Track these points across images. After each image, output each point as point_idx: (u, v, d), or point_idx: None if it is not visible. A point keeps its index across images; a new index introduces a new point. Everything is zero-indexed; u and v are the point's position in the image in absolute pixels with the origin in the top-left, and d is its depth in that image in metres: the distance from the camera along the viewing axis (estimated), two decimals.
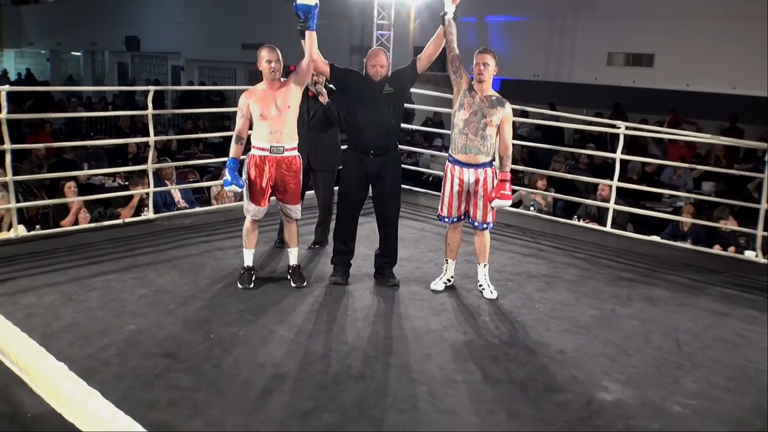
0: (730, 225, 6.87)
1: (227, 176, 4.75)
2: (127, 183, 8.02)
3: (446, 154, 5.05)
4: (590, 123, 9.12)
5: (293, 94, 4.81)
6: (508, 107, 4.81)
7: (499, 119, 4.77)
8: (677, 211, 7.84)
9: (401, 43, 12.28)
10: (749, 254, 6.38)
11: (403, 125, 5.70)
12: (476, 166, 4.82)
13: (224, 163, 4.98)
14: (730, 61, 11.09)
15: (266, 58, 4.75)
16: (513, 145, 5.07)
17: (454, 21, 4.81)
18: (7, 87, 5.80)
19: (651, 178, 10.06)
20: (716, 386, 3.82)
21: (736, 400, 3.69)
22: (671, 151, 11.77)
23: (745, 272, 5.89)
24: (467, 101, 4.78)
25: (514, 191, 7.91)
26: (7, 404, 3.20)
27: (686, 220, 7.10)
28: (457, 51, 4.84)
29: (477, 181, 4.83)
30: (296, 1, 4.65)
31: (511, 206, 6.67)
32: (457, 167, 4.86)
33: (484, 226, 4.93)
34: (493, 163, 4.90)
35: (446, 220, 5.02)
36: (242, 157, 4.92)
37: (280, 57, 4.78)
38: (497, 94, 4.86)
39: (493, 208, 4.87)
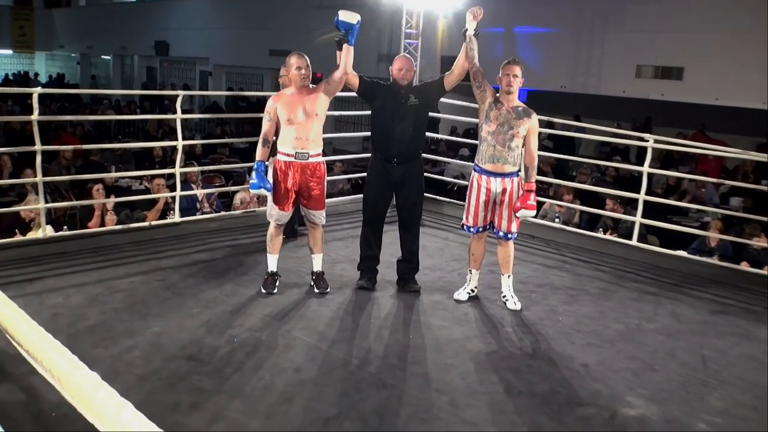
0: (762, 242, 6.75)
1: (254, 179, 4.77)
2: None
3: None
4: (618, 135, 9.04)
5: (321, 103, 4.83)
6: (535, 118, 4.80)
7: (525, 130, 4.76)
8: (704, 226, 7.75)
9: (429, 51, 12.30)
10: None
11: (428, 134, 5.70)
12: (503, 175, 4.80)
13: (250, 168, 5.00)
14: (761, 75, 10.96)
15: (296, 65, 4.77)
16: (538, 156, 5.04)
17: (476, 37, 4.82)
18: (39, 89, 5.89)
19: (677, 192, 9.96)
20: (742, 404, 3.76)
21: (763, 418, 3.62)
22: (697, 166, 11.66)
23: None
24: (494, 114, 4.77)
25: (539, 203, 7.89)
26: (31, 403, 3.23)
27: (713, 234, 7.01)
28: (479, 65, 4.84)
29: (504, 191, 4.82)
30: (338, 17, 4.68)
31: (534, 217, 6.64)
32: (484, 176, 4.84)
33: (509, 236, 4.91)
34: (519, 173, 4.88)
35: (471, 230, 5.00)
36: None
37: (309, 63, 4.80)
38: (524, 105, 4.85)
39: (517, 218, 4.86)
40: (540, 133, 5.25)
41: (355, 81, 4.97)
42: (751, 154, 7.33)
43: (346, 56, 4.80)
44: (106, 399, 1.40)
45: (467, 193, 4.99)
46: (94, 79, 28.52)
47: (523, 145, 4.83)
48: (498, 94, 4.82)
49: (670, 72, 12.29)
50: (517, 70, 4.74)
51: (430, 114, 5.29)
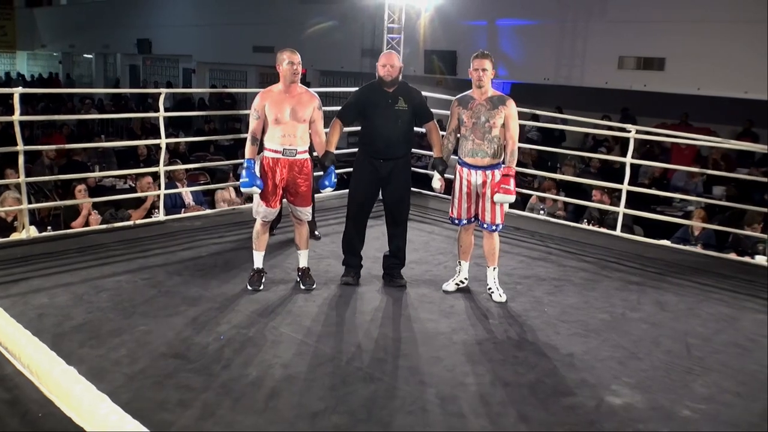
0: (756, 231, 6.71)
1: (245, 177, 4.75)
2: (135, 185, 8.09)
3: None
4: (600, 127, 9.09)
5: (309, 116, 4.84)
6: (511, 104, 4.82)
7: (502, 119, 4.78)
8: (688, 215, 7.80)
9: (412, 45, 12.30)
10: (760, 259, 6.35)
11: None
12: (483, 168, 4.84)
13: (235, 165, 4.98)
14: (742, 65, 11.05)
15: (288, 60, 4.74)
16: (521, 148, 5.07)
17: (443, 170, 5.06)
18: (20, 89, 5.85)
19: (661, 183, 10.03)
20: (727, 391, 3.80)
21: (748, 405, 3.67)
22: (675, 156, 11.74)
23: (756, 277, 5.85)
24: (466, 115, 4.83)
25: (525, 196, 7.92)
26: (17, 403, 3.23)
27: (696, 223, 7.07)
28: (452, 128, 5.00)
29: (484, 183, 4.85)
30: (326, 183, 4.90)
31: (513, 207, 6.67)
32: (465, 169, 4.88)
33: (494, 227, 4.94)
34: (502, 165, 4.90)
35: (457, 221, 5.03)
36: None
37: (301, 61, 4.79)
38: (498, 93, 4.87)
39: (497, 204, 4.87)
40: (530, 127, 5.29)
41: (340, 127, 5.09)
42: (731, 142, 7.40)
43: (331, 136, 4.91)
44: (84, 393, 1.40)
45: (452, 186, 5.02)
46: (69, 78, 28.31)
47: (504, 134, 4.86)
48: (469, 92, 4.86)
49: (652, 63, 12.36)
50: (487, 64, 4.76)
51: None
